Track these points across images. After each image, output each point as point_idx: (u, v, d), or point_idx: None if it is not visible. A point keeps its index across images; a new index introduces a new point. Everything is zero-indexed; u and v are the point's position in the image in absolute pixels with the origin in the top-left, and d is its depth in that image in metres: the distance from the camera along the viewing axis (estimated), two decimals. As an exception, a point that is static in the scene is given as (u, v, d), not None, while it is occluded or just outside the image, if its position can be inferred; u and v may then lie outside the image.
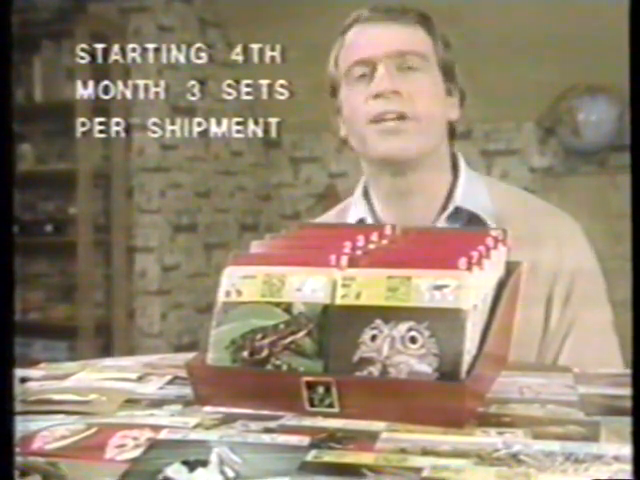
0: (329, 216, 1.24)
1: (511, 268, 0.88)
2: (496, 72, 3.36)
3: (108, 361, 1.07)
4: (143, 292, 3.62)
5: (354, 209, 1.19)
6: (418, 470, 0.60)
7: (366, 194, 1.19)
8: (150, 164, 3.59)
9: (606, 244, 2.77)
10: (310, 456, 0.64)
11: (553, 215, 1.16)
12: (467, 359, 0.73)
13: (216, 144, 3.85)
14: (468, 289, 0.74)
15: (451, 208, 1.12)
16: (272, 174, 4.13)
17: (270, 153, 4.08)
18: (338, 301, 0.77)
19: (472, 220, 1.11)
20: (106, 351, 3.42)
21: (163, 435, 0.70)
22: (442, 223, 1.12)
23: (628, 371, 0.94)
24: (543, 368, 0.96)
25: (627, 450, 0.64)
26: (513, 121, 3.76)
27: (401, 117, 1.08)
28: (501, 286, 0.85)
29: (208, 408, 0.78)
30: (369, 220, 1.16)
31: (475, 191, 1.14)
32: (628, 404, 0.77)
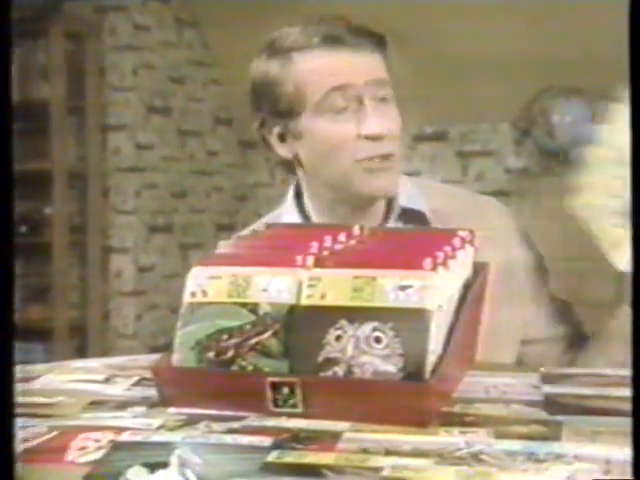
0: (261, 224, 1.21)
1: (478, 268, 0.89)
2: (471, 74, 3.37)
3: (78, 363, 1.06)
4: (118, 293, 3.60)
5: (287, 217, 1.17)
6: (378, 470, 0.60)
7: (300, 204, 1.17)
8: (125, 164, 3.57)
9: (580, 245, 2.78)
10: (271, 457, 0.63)
11: (481, 204, 1.18)
12: (431, 359, 0.73)
13: (192, 144, 3.84)
14: (433, 289, 0.74)
15: (397, 210, 1.13)
16: (248, 174, 4.11)
17: (246, 153, 4.07)
18: (304, 301, 0.77)
19: (418, 218, 1.12)
20: (81, 352, 3.39)
21: (125, 437, 0.70)
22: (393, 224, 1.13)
23: (594, 370, 0.95)
24: (510, 368, 0.96)
25: (587, 449, 0.64)
26: (488, 122, 3.77)
27: (385, 157, 1.08)
28: (468, 286, 0.85)
29: (173, 409, 0.78)
30: None
31: (410, 190, 1.15)
32: (592, 403, 0.78)
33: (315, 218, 1.15)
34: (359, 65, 1.07)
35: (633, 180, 0.55)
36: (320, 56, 1.07)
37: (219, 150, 4.03)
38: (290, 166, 1.15)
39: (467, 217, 1.11)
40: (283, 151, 1.12)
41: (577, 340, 1.13)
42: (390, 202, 1.14)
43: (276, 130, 1.11)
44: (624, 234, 0.99)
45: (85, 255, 3.55)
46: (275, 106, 1.09)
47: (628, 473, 0.61)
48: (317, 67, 1.07)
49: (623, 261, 0.99)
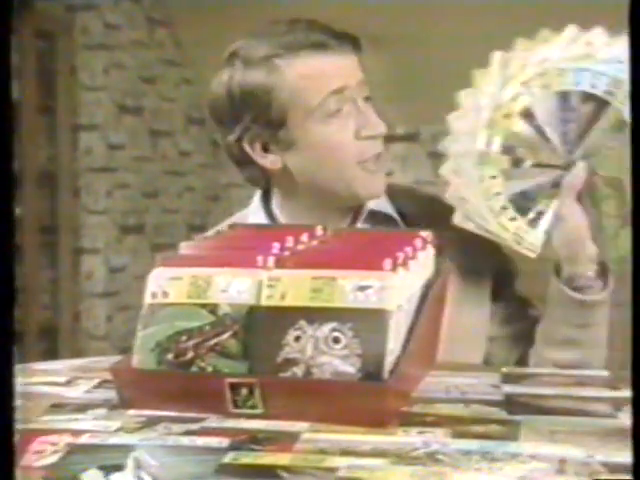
0: (225, 225, 1.19)
1: (440, 269, 0.89)
2: (444, 76, 3.39)
3: (42, 365, 1.05)
4: (89, 294, 3.57)
5: (253, 218, 1.15)
6: (334, 470, 0.60)
7: (267, 207, 1.15)
8: (97, 164, 3.54)
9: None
10: (228, 458, 0.63)
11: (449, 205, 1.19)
12: (390, 359, 0.73)
13: (164, 144, 3.82)
14: (392, 290, 0.75)
15: (365, 212, 1.12)
16: (221, 174, 4.10)
17: (219, 153, 4.06)
18: (264, 302, 0.77)
19: (385, 221, 1.12)
20: (52, 354, 3.36)
21: (83, 440, 0.69)
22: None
23: (554, 370, 0.95)
24: (471, 368, 0.97)
25: (544, 449, 0.65)
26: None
27: (378, 157, 1.08)
28: (429, 287, 0.85)
29: (132, 411, 0.77)
30: None
31: None
32: (551, 403, 0.78)
33: (283, 220, 1.14)
34: (346, 67, 1.06)
35: (633, 178, 0.55)
36: (307, 61, 1.05)
37: (191, 150, 4.01)
38: (264, 177, 1.12)
39: (434, 219, 1.11)
40: (267, 161, 1.08)
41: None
42: (358, 206, 1.13)
43: (260, 140, 1.07)
44: (520, 223, 1.00)
45: (56, 256, 3.52)
46: (264, 115, 1.05)
47: (583, 473, 0.61)
48: (309, 72, 1.05)
49: (533, 247, 1.00)
